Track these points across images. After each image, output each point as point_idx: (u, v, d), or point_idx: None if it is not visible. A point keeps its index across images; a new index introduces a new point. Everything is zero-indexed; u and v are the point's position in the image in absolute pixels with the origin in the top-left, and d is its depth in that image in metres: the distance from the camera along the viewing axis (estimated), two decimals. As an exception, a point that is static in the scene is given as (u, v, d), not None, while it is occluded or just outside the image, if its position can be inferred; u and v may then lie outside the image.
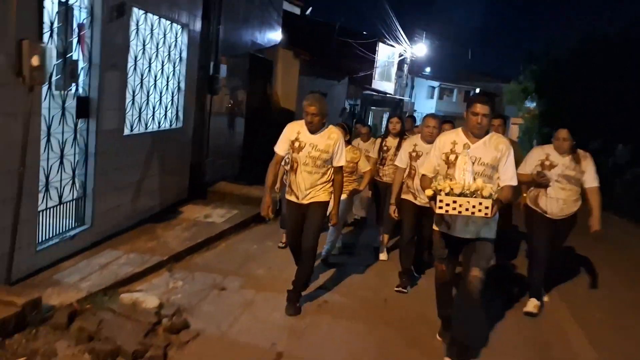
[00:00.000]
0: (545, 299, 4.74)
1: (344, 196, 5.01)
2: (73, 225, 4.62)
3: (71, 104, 4.40)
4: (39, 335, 3.19)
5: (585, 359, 3.91)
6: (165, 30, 6.03)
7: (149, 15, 5.55)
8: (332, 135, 3.98)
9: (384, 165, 5.76)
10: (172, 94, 6.44)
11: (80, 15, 4.54)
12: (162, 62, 6.06)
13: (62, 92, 4.27)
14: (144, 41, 5.53)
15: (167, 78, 6.24)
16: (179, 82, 6.54)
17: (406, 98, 32.20)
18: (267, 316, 3.93)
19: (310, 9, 24.89)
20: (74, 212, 4.66)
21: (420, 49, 31.15)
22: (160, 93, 6.13)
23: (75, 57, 4.55)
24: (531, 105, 26.79)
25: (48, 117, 4.08)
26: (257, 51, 10.21)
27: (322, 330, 3.84)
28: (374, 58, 25.11)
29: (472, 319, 3.38)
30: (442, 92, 41.96)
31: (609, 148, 16.86)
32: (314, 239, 4.06)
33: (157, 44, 5.88)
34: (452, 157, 3.31)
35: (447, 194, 3.03)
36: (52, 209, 4.27)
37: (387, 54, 27.51)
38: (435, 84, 41.20)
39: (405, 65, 30.35)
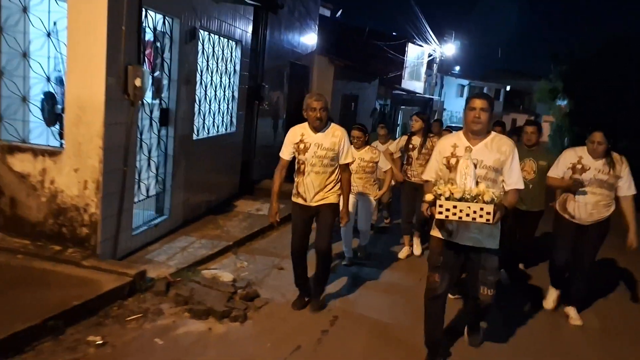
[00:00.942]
0: (572, 315, 4.50)
1: (369, 197, 5.34)
2: (155, 216, 5.52)
3: (156, 114, 5.30)
4: (146, 299, 4.07)
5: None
6: (223, 47, 6.90)
7: (212, 35, 6.42)
8: (336, 132, 3.96)
9: (410, 165, 5.77)
10: (228, 102, 7.32)
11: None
12: (221, 74, 6.93)
13: (150, 104, 5.15)
14: (207, 57, 6.40)
15: (224, 88, 7.12)
16: (232, 92, 7.41)
17: (435, 97, 32.61)
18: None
19: (340, 11, 25.70)
20: (155, 204, 5.57)
21: (449, 49, 31.57)
22: (219, 102, 7.01)
23: (158, 75, 5.43)
24: (562, 103, 26.87)
25: (140, 126, 4.97)
26: (296, 59, 11.05)
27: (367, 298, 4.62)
28: (404, 58, 25.64)
29: (479, 329, 3.63)
30: (471, 90, 42.13)
31: (638, 147, 17.10)
32: (328, 240, 4.08)
33: (217, 59, 6.76)
34: (453, 160, 3.18)
35: (447, 199, 2.91)
36: (141, 202, 5.18)
37: (416, 54, 28.00)
38: (465, 82, 41.37)
39: (435, 64, 30.81)
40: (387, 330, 4.04)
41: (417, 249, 6.07)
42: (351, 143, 4.91)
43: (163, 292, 4.19)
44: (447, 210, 2.90)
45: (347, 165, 4.07)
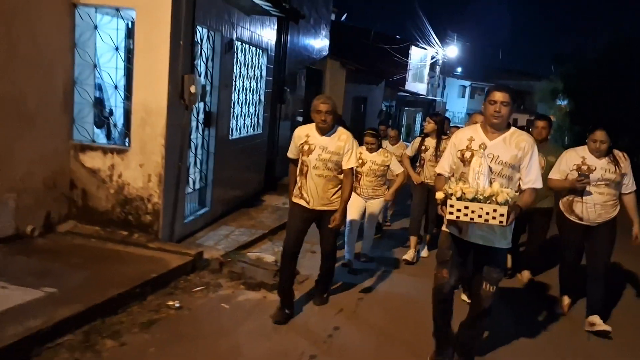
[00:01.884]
0: (596, 322, 4.20)
1: (377, 202, 5.26)
2: (198, 207, 6.20)
3: (201, 117, 5.98)
4: (205, 275, 4.74)
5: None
6: (252, 55, 7.58)
7: (244, 45, 7.10)
8: (342, 136, 3.91)
9: (423, 167, 5.68)
10: (255, 105, 8.00)
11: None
12: (250, 80, 7.61)
13: (196, 107, 5.83)
14: (240, 65, 7.09)
15: (252, 93, 7.80)
16: (259, 96, 8.09)
17: (438, 98, 33.30)
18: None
19: (346, 15, 26.39)
20: (198, 197, 6.24)
21: (451, 51, 32.28)
22: (248, 105, 7.69)
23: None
24: (562, 103, 27.46)
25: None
26: (311, 63, 11.76)
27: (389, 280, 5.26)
28: (407, 61, 26.34)
29: (477, 333, 3.35)
30: (473, 91, 42.77)
31: (638, 145, 17.69)
32: (333, 242, 4.14)
33: (247, 66, 7.44)
34: (467, 154, 3.04)
35: (458, 199, 2.76)
36: (189, 195, 5.85)
37: (419, 56, 28.68)
38: (467, 83, 42.06)
39: (437, 66, 31.51)
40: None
41: (425, 251, 6.04)
42: (366, 148, 5.22)
43: (218, 269, 4.87)
44: (459, 210, 2.75)
45: (351, 170, 3.97)
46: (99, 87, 5.46)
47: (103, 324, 3.53)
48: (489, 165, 2.94)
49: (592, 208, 4.11)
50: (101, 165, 5.07)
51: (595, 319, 4.17)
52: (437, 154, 5.41)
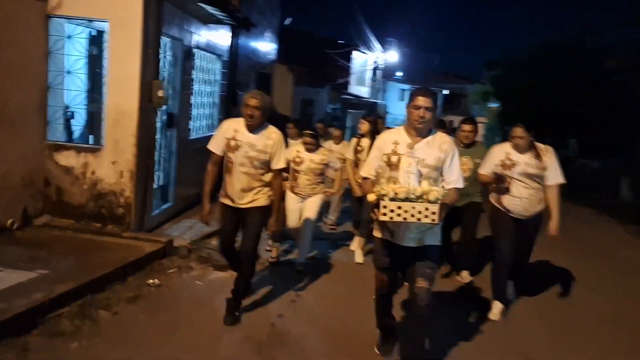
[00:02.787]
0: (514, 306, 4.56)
1: (314, 199, 5.19)
2: (162, 202, 6.71)
3: (164, 119, 6.49)
4: (175, 260, 5.29)
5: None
6: (208, 61, 8.13)
7: (201, 52, 7.65)
8: (272, 135, 3.80)
9: (359, 167, 5.56)
10: (211, 107, 8.54)
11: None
12: (206, 84, 8.16)
13: (160, 110, 6.35)
14: (197, 70, 7.63)
15: (208, 96, 8.34)
16: (214, 99, 8.64)
17: (380, 101, 34.64)
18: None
19: (290, 19, 27.09)
20: (162, 193, 6.75)
21: (391, 56, 33.67)
22: (204, 108, 8.23)
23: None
24: (494, 105, 29.30)
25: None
26: (260, 68, 12.36)
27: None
28: (350, 65, 27.37)
29: (421, 335, 3.28)
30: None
31: (562, 142, 19.34)
32: (254, 244, 3.90)
33: (204, 71, 7.99)
34: (394, 158, 3.05)
35: (391, 199, 2.78)
36: (154, 190, 6.36)
37: (361, 61, 29.82)
38: (406, 87, 43.73)
39: (378, 70, 32.82)
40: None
41: (359, 257, 5.86)
42: (304, 149, 5.16)
43: (187, 255, 5.43)
44: (392, 211, 2.78)
45: (280, 171, 3.91)
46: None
47: (94, 299, 4.05)
48: (416, 168, 2.99)
49: (519, 202, 4.23)
50: (75, 164, 5.51)
51: (497, 307, 4.44)
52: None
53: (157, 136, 6.28)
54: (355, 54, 28.00)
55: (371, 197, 2.87)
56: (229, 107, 9.52)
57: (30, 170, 5.37)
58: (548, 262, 6.18)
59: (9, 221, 5.13)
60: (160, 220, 6.38)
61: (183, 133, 6.98)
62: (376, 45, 29.92)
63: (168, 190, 6.83)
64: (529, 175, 4.20)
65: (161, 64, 6.03)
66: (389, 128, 7.66)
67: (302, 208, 5.24)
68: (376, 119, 6.53)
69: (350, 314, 4.34)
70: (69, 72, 5.63)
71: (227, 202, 3.92)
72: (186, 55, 6.82)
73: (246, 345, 3.65)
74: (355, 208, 6.22)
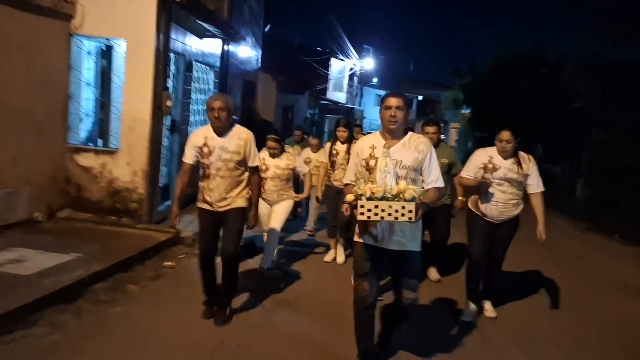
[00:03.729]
0: (487, 308, 4.60)
1: (283, 204, 5.23)
2: (165, 199, 7.49)
3: (168, 125, 7.29)
4: (183, 248, 6.09)
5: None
6: (203, 72, 8.94)
7: (198, 64, 8.46)
8: (241, 135, 3.82)
9: (334, 170, 5.79)
10: (205, 114, 9.34)
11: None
12: (201, 93, 8.97)
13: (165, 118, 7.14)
14: (195, 81, 8.43)
15: (203, 104, 9.15)
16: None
17: (356, 106, 35.70)
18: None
19: (269, 26, 27.90)
20: (164, 192, 7.52)
21: (368, 62, 34.80)
22: (200, 114, 9.03)
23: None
24: (465, 111, 30.51)
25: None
26: (246, 77, 13.18)
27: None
28: (328, 72, 28.31)
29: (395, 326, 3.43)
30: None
31: (529, 148, 20.47)
32: (235, 245, 3.92)
33: (200, 81, 8.79)
34: (372, 162, 3.07)
35: (368, 199, 2.80)
36: (159, 188, 7.14)
37: (339, 68, 30.81)
38: (382, 92, 44.93)
39: (355, 77, 33.88)
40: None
41: (340, 257, 6.02)
42: (268, 154, 5.16)
43: (192, 244, 6.22)
44: (369, 210, 2.79)
45: (256, 168, 3.97)
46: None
47: (121, 277, 4.83)
48: (393, 168, 2.99)
49: (495, 205, 4.26)
50: (93, 164, 6.28)
51: (487, 304, 4.62)
52: (349, 157, 5.19)
53: (163, 141, 7.07)
54: (333, 61, 28.98)
55: (349, 197, 2.92)
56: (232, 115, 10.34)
57: (54, 170, 6.12)
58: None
59: (36, 214, 5.87)
60: (164, 215, 7.14)
61: (183, 138, 7.75)
62: (353, 52, 30.96)
63: (169, 189, 7.61)
64: (508, 180, 4.20)
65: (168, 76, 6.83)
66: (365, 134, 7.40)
67: (271, 213, 5.28)
68: (352, 125, 6.54)
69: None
70: (88, 84, 6.39)
71: (206, 207, 3.94)
72: (187, 68, 7.63)
73: (256, 307, 4.47)
74: (331, 215, 6.01)
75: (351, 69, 32.05)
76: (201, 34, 8.25)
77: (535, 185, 4.28)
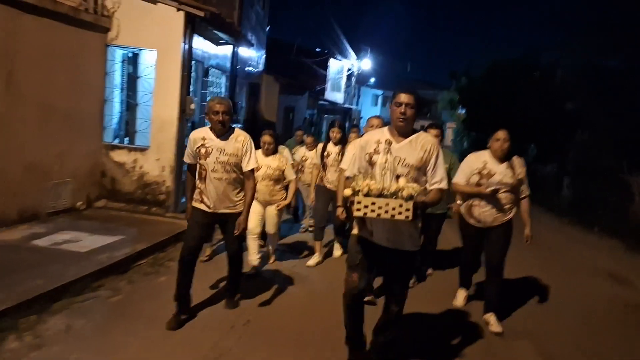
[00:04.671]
0: (492, 322, 4.36)
1: (274, 210, 5.24)
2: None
3: (189, 126, 8.09)
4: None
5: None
6: (216, 77, 9.75)
7: (213, 69, 9.26)
8: (239, 137, 3.84)
9: (325, 171, 5.76)
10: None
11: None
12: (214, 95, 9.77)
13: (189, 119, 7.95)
14: (210, 85, 9.24)
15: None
16: (220, 107, 10.25)
17: (354, 106, 36.50)
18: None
19: (269, 27, 28.64)
20: (184, 185, 8.31)
21: (365, 63, 35.59)
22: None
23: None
24: (460, 112, 31.31)
25: (183, 132, 7.75)
26: (251, 79, 14.00)
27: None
28: (326, 73, 29.07)
29: (392, 342, 3.29)
30: (385, 99, 46.57)
31: (522, 148, 21.21)
32: (238, 244, 4.08)
33: (214, 85, 9.60)
34: (375, 157, 3.01)
35: (365, 195, 2.77)
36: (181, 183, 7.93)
37: (337, 68, 31.57)
38: (379, 92, 45.78)
39: (353, 77, 34.67)
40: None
41: (337, 251, 6.12)
42: (261, 149, 5.12)
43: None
44: (366, 207, 2.77)
45: (251, 171, 3.95)
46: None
47: (160, 255, 5.64)
48: (394, 165, 2.96)
49: (489, 212, 4.23)
50: (126, 160, 7.08)
51: (491, 318, 4.37)
52: (341, 159, 5.42)
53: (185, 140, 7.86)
54: (331, 62, 29.75)
55: (346, 192, 2.88)
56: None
57: (92, 164, 6.92)
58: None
59: (78, 203, 6.67)
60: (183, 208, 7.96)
61: (201, 136, 8.58)
62: (351, 53, 31.75)
63: (189, 183, 8.41)
64: (504, 185, 4.17)
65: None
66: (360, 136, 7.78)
67: (265, 214, 5.32)
68: (345, 127, 6.29)
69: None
70: (122, 90, 7.20)
71: (203, 207, 3.92)
72: (204, 74, 8.44)
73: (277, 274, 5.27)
74: (319, 217, 5.96)
75: (349, 70, 32.81)
76: (216, 41, 9.05)
77: (525, 188, 4.35)
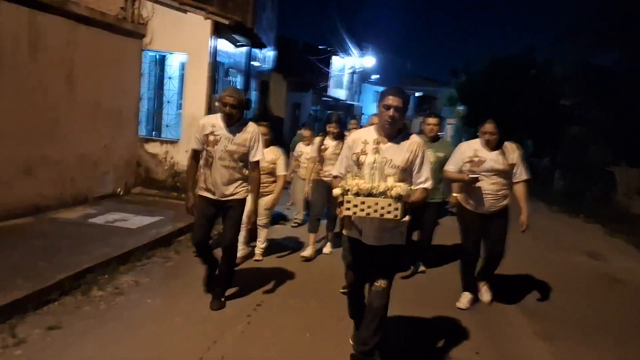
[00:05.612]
0: (483, 290, 4.63)
1: (267, 198, 5.31)
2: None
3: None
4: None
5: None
6: (233, 76, 10.64)
7: (231, 69, 10.16)
8: (248, 128, 3.90)
9: (322, 165, 5.80)
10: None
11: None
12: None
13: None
14: (229, 83, 10.13)
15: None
16: (236, 104, 11.14)
17: (356, 102, 37.35)
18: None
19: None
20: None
21: (368, 60, 36.41)
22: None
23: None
24: (460, 108, 32.03)
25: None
26: (262, 76, 14.89)
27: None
28: (330, 69, 29.89)
29: (374, 330, 3.13)
30: (386, 96, 47.23)
31: (521, 143, 21.86)
32: (235, 233, 4.05)
33: (231, 83, 10.48)
34: (362, 157, 3.03)
35: (355, 195, 2.81)
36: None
37: (340, 65, 32.40)
38: (381, 88, 46.31)
39: (355, 74, 35.51)
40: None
41: (327, 248, 6.10)
42: None
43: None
44: (355, 206, 2.81)
45: (257, 163, 3.98)
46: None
47: (195, 233, 6.52)
48: (382, 165, 2.98)
49: (485, 197, 4.29)
50: (159, 151, 7.98)
51: (484, 286, 4.67)
52: (339, 152, 4.94)
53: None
54: (334, 59, 30.56)
55: (336, 192, 2.91)
56: (243, 110, 12.07)
57: (129, 155, 7.83)
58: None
59: (118, 189, 7.57)
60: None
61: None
62: (353, 50, 32.55)
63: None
64: (496, 171, 4.25)
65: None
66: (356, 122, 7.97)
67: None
68: (342, 122, 6.28)
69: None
70: (156, 89, 8.10)
71: (207, 194, 3.98)
72: (225, 74, 9.33)
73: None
74: (316, 209, 6.01)
75: (351, 67, 33.61)
76: (234, 44, 9.94)
77: (519, 173, 4.35)
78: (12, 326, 3.44)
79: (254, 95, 13.98)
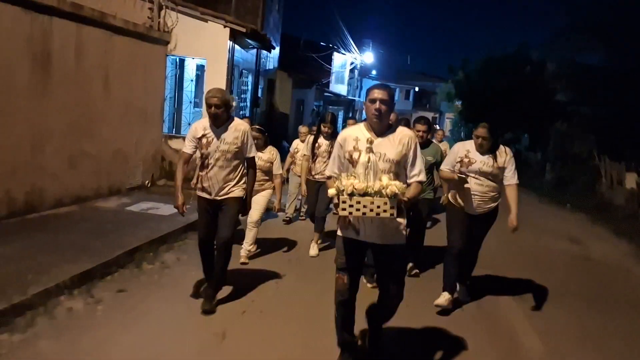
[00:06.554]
0: (455, 295, 4.61)
1: (262, 195, 5.39)
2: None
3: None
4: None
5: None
6: (245, 77, 11.43)
7: (244, 70, 10.95)
8: (238, 127, 3.99)
9: (315, 162, 5.84)
10: (244, 109, 11.85)
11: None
12: (245, 92, 11.47)
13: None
14: (242, 83, 10.93)
15: (245, 101, 11.64)
16: (247, 102, 11.95)
17: (356, 98, 38.04)
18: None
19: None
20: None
21: (368, 57, 37.08)
22: (242, 109, 11.54)
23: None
24: (458, 103, 32.61)
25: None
26: (269, 75, 15.67)
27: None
28: (331, 66, 30.55)
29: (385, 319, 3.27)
30: (385, 91, 47.74)
31: (517, 138, 22.61)
32: (230, 231, 4.06)
33: (243, 84, 11.29)
34: (355, 155, 2.99)
35: (350, 195, 2.77)
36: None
37: (341, 62, 33.05)
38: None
39: (356, 70, 36.17)
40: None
41: (313, 250, 5.95)
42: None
43: (252, 204, 8.73)
44: (350, 206, 2.78)
45: (253, 159, 4.10)
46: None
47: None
48: (377, 163, 2.95)
49: (473, 198, 4.35)
50: (180, 147, 8.75)
51: (444, 297, 4.44)
52: (331, 150, 5.01)
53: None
54: (335, 56, 31.21)
55: (331, 192, 2.89)
56: (253, 107, 12.89)
57: (155, 151, 8.63)
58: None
59: (146, 182, 8.39)
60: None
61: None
62: (354, 46, 33.22)
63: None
64: (483, 174, 4.31)
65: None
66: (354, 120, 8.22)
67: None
68: (335, 121, 6.13)
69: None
70: (177, 91, 8.91)
71: (205, 195, 4.12)
72: (239, 75, 10.13)
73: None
74: (310, 204, 6.23)
75: (352, 63, 34.27)
76: (246, 47, 10.72)
77: (510, 177, 4.38)
78: (88, 290, 4.27)
79: (261, 93, 14.78)
